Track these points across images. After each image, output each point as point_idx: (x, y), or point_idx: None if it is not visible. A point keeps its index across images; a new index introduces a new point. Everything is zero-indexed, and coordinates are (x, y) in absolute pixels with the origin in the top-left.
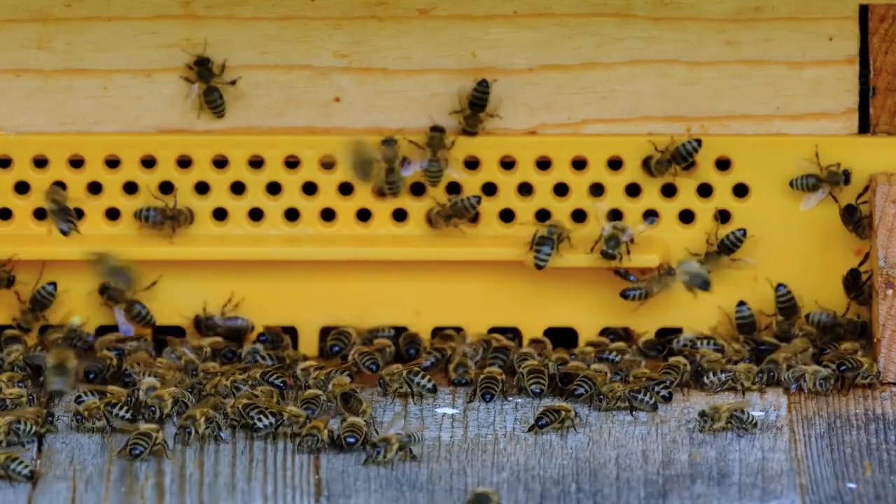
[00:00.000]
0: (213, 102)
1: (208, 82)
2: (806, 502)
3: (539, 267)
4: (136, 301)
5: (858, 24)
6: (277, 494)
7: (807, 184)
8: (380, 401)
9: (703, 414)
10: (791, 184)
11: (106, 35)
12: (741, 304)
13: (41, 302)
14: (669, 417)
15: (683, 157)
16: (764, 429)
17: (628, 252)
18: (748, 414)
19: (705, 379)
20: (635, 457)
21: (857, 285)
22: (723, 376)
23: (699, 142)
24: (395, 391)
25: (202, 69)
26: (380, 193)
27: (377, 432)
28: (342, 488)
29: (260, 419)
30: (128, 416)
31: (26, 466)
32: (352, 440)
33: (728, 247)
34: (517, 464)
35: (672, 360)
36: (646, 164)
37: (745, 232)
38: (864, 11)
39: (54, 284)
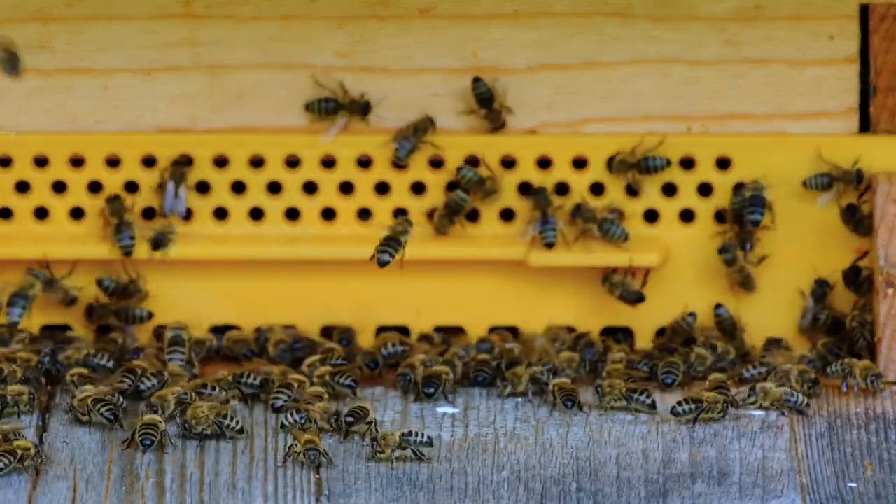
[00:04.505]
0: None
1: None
2: (806, 501)
3: (549, 245)
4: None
5: (859, 24)
6: (278, 494)
7: (821, 183)
8: (380, 400)
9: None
10: (805, 184)
11: (106, 35)
12: (719, 306)
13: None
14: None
15: (648, 169)
16: (764, 428)
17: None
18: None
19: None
20: (636, 456)
21: (857, 279)
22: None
23: (668, 161)
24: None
25: (360, 108)
26: None
27: (377, 430)
28: (342, 488)
29: (290, 414)
30: (109, 415)
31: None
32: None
33: None
34: (518, 463)
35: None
36: (609, 161)
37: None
38: (864, 11)
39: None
